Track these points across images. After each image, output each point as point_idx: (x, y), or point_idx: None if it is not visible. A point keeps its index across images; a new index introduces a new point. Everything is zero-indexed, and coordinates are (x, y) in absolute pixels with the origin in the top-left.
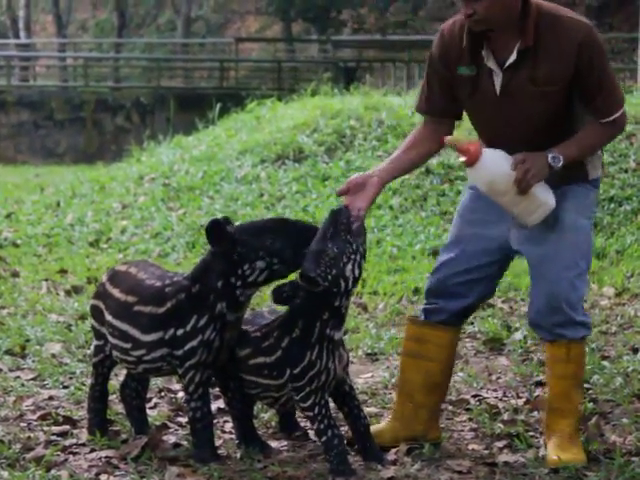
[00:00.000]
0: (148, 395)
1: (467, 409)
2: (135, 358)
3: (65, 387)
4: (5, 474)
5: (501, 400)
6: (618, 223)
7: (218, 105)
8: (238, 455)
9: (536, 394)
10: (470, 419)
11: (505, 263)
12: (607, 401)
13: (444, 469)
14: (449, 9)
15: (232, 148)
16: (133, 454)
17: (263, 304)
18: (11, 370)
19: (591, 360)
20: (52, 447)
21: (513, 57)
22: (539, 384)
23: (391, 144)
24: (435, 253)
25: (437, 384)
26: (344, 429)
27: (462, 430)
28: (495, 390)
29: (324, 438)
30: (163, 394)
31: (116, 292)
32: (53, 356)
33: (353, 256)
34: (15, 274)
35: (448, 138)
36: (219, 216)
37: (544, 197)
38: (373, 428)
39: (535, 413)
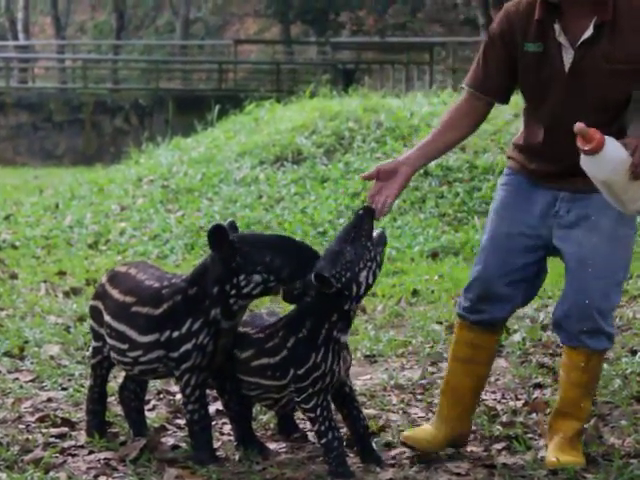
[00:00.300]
0: (147, 397)
1: None
2: (131, 359)
3: (64, 389)
4: (3, 476)
5: (500, 402)
6: None
7: (217, 107)
8: (237, 457)
9: (535, 396)
10: None
11: (545, 262)
12: (606, 403)
13: (443, 471)
14: (448, 11)
15: (231, 150)
16: (132, 456)
17: (262, 306)
18: (10, 372)
19: None
20: (50, 449)
21: (589, 32)
22: (538, 386)
23: (390, 146)
24: (434, 255)
25: (482, 387)
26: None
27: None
28: (494, 392)
29: (324, 440)
30: (162, 396)
31: (115, 293)
32: (52, 358)
33: (369, 263)
34: (14, 276)
35: (578, 125)
36: (218, 217)
37: None
38: (419, 433)
39: (534, 415)
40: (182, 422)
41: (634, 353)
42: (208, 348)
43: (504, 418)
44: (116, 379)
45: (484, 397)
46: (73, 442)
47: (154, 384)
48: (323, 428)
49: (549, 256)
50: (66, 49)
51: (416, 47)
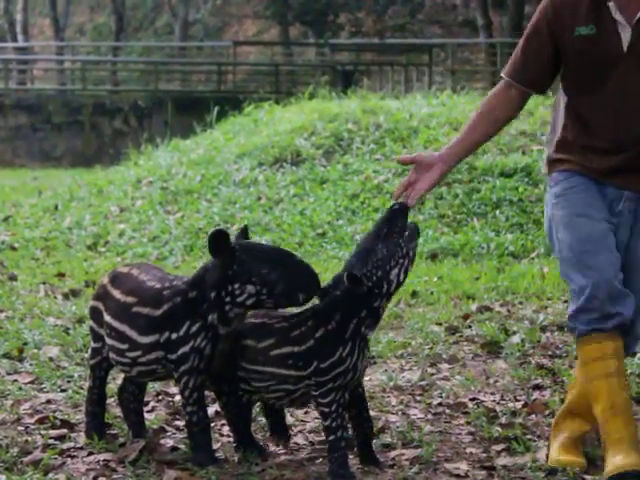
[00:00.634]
0: (146, 398)
1: (465, 412)
2: (130, 360)
3: (63, 390)
4: (3, 478)
5: (499, 403)
6: None
7: (216, 108)
8: (236, 458)
9: (534, 397)
10: (468, 422)
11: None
12: None
13: (442, 472)
14: (447, 12)
15: (230, 151)
16: (131, 457)
17: None
18: (9, 374)
19: None
20: (50, 451)
21: None
22: (537, 387)
23: (389, 147)
24: (434, 256)
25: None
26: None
27: (460, 433)
28: (493, 393)
29: (332, 437)
30: (161, 397)
31: (117, 293)
32: (51, 359)
33: (401, 260)
34: (13, 277)
35: None
36: (217, 219)
37: None
38: (622, 464)
39: (533, 416)
40: (181, 424)
41: (633, 354)
42: (205, 352)
43: (503, 419)
44: (115, 381)
45: (483, 398)
46: (72, 444)
47: (153, 386)
48: (334, 425)
49: None
50: (65, 51)
51: (415, 48)
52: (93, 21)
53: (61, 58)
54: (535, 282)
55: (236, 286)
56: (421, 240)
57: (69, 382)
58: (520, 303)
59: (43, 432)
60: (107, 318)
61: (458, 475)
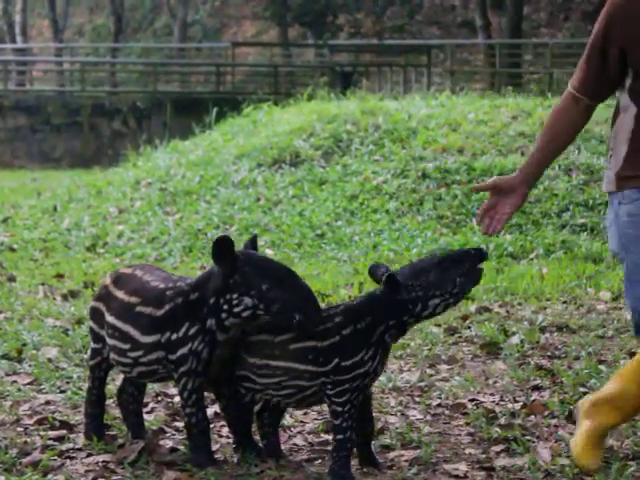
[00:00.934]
0: (145, 399)
1: (464, 413)
2: (132, 360)
3: (62, 391)
4: (2, 479)
5: (498, 404)
6: None
7: (215, 109)
8: (235, 459)
9: (533, 398)
10: (467, 423)
11: None
12: None
13: (441, 473)
14: (446, 13)
15: (229, 152)
16: (130, 458)
17: None
18: (8, 374)
19: (588, 364)
20: (49, 452)
21: None
22: (536, 388)
23: (388, 148)
24: None
25: None
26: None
27: (459, 434)
28: (492, 394)
29: (340, 437)
30: (160, 398)
31: (120, 294)
32: (50, 360)
33: (447, 296)
34: (12, 278)
35: None
36: (215, 220)
37: None
38: None
39: (532, 417)
40: (180, 425)
41: (632, 355)
42: (203, 355)
43: (502, 420)
44: (114, 382)
45: (482, 399)
46: (71, 445)
47: (152, 387)
48: (344, 425)
49: None
50: (64, 52)
51: (414, 49)
52: (92, 22)
53: (60, 59)
54: (534, 283)
55: (234, 296)
56: (420, 241)
57: (68, 383)
58: (519, 304)
59: (42, 433)
60: (109, 318)
61: (457, 476)
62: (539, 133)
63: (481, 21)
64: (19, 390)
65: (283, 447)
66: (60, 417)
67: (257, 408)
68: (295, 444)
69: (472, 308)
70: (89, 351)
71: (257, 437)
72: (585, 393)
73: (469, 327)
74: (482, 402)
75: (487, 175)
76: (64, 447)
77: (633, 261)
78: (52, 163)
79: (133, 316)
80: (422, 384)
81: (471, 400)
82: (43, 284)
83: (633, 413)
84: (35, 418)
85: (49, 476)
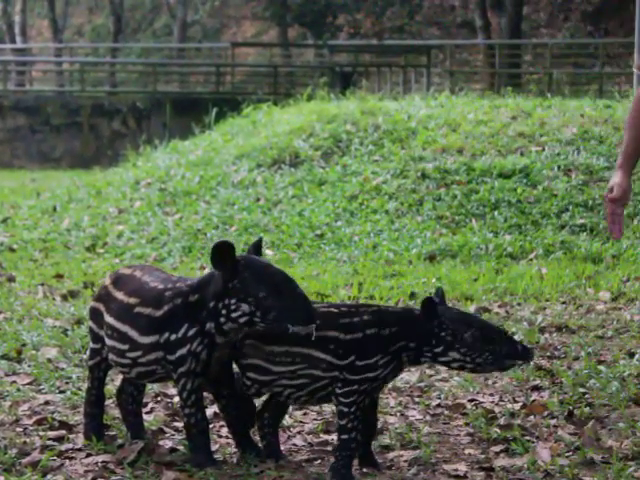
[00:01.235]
0: (144, 400)
1: (463, 413)
2: (130, 360)
3: (61, 392)
4: (1, 479)
5: (497, 405)
6: None
7: (214, 110)
8: (234, 460)
9: (532, 399)
10: (466, 423)
11: None
12: (603, 405)
13: (440, 474)
14: (445, 14)
15: (228, 153)
16: (129, 459)
17: None
18: (7, 375)
19: (587, 364)
20: (48, 452)
21: None
22: (535, 389)
23: (387, 149)
24: (432, 257)
25: None
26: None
27: (458, 434)
28: (491, 394)
29: (345, 436)
30: (159, 399)
31: (119, 294)
32: (49, 361)
33: (467, 359)
34: (11, 279)
35: None
36: (215, 220)
37: None
38: None
39: (531, 417)
40: (180, 425)
41: (631, 355)
42: (202, 356)
43: (502, 420)
44: (114, 382)
45: (482, 400)
46: (71, 445)
47: (152, 387)
48: (350, 426)
49: None
50: (63, 52)
51: (413, 50)
52: (91, 22)
53: (59, 60)
54: (533, 283)
55: (233, 301)
56: (419, 241)
57: (67, 383)
58: (518, 304)
59: (41, 433)
60: (108, 319)
61: (457, 476)
62: (626, 124)
63: (481, 21)
64: (18, 390)
65: (283, 447)
66: (59, 417)
67: (258, 408)
68: (294, 444)
69: (472, 308)
70: (88, 351)
71: (257, 437)
72: (584, 394)
73: None
74: (481, 402)
75: (486, 175)
76: (63, 447)
77: None
78: (52, 163)
79: (132, 317)
80: (421, 384)
81: (470, 400)
82: (43, 284)
83: None
84: (34, 418)
85: (48, 476)
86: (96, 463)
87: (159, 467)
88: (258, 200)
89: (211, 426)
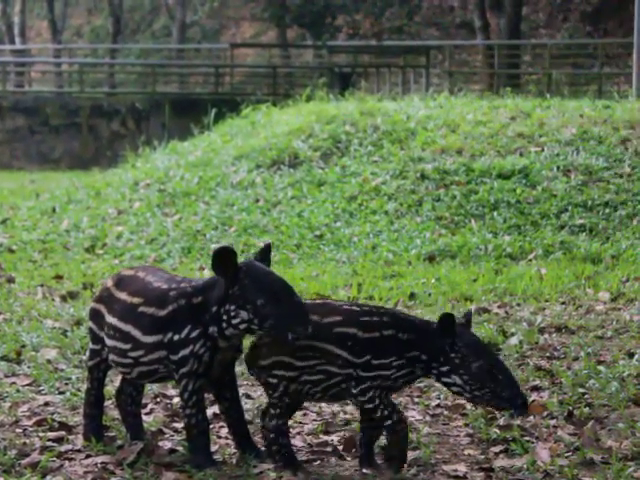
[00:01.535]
0: (144, 401)
1: (463, 414)
2: (132, 360)
3: (61, 393)
4: None
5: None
6: (613, 228)
7: (213, 111)
8: (234, 460)
9: (532, 399)
10: (466, 424)
11: None
12: (603, 406)
13: (440, 474)
14: (444, 14)
15: (227, 153)
16: (129, 460)
17: None
18: (7, 376)
19: (587, 365)
20: (48, 453)
21: None
22: (535, 389)
23: (386, 149)
24: (431, 258)
25: None
26: (340, 434)
27: (458, 435)
28: None
29: (389, 422)
30: (159, 400)
31: (123, 295)
32: (49, 362)
33: (467, 387)
34: (10, 280)
35: None
36: (214, 221)
37: None
38: None
39: (531, 418)
40: (179, 426)
41: (631, 356)
42: (204, 358)
43: (501, 421)
44: (113, 383)
45: None
46: (70, 446)
47: (151, 388)
48: (386, 412)
49: None
50: (62, 53)
51: (412, 50)
52: (90, 23)
53: (59, 61)
54: (533, 284)
55: (232, 307)
56: (419, 242)
57: (67, 384)
58: (518, 305)
59: (41, 434)
60: (110, 320)
61: (456, 477)
62: None
63: (480, 22)
64: (18, 391)
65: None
66: (59, 418)
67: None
68: (294, 445)
69: (471, 309)
70: (88, 352)
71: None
72: (584, 394)
73: None
74: None
75: (485, 176)
76: (63, 448)
77: None
78: (51, 164)
79: (135, 316)
80: (421, 385)
81: None
82: (42, 285)
83: None
84: (34, 419)
85: (48, 477)
86: (95, 464)
87: (158, 468)
88: (257, 201)
89: (211, 427)
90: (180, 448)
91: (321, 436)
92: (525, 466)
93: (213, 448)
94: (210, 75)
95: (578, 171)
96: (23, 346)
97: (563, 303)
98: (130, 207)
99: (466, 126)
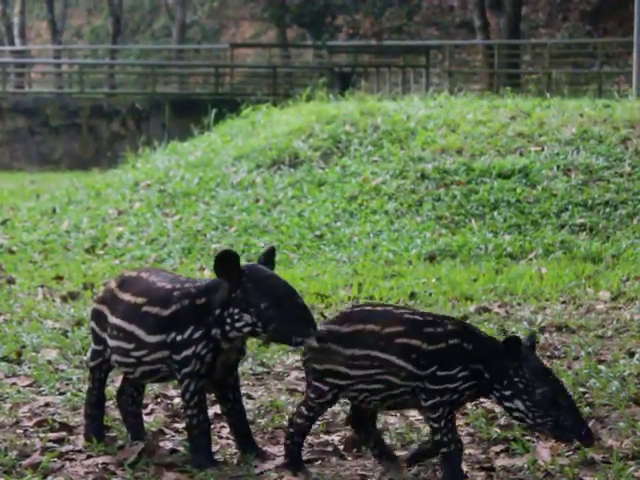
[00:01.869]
0: (144, 401)
1: (464, 414)
2: (135, 359)
3: (61, 393)
4: None
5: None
6: (613, 227)
7: (213, 111)
8: (235, 461)
9: None
10: (467, 424)
11: None
12: (604, 405)
13: (440, 474)
14: (444, 14)
15: (227, 154)
16: (130, 460)
17: None
18: (7, 377)
19: (587, 364)
20: (48, 454)
21: None
22: None
23: (386, 149)
24: (432, 258)
25: None
26: (340, 434)
27: (459, 435)
28: None
29: (445, 450)
30: (159, 400)
31: (126, 296)
32: (49, 362)
33: (530, 414)
34: (11, 281)
35: None
36: (214, 221)
37: None
38: None
39: None
40: (180, 426)
41: (631, 355)
42: (206, 359)
43: (502, 420)
44: (114, 383)
45: (482, 400)
46: (71, 446)
47: (152, 388)
48: (446, 439)
49: None
50: (62, 54)
51: (412, 50)
52: (90, 24)
53: (58, 61)
54: (533, 283)
55: (236, 311)
56: (419, 241)
57: (68, 385)
58: (518, 304)
59: (42, 435)
60: (114, 320)
61: None
62: None
63: (479, 22)
64: (19, 392)
65: (283, 448)
66: (60, 419)
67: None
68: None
69: (471, 308)
70: (90, 352)
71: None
72: (585, 393)
73: None
74: (482, 402)
75: (486, 175)
76: (64, 449)
77: None
78: (51, 165)
79: (139, 316)
80: None
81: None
82: (42, 286)
83: None
84: (35, 420)
85: (49, 478)
86: (96, 464)
87: (159, 468)
88: (257, 201)
89: (212, 427)
90: (181, 448)
91: (322, 436)
92: (526, 465)
93: (214, 448)
94: (210, 75)
95: (578, 170)
96: (23, 347)
97: (563, 302)
98: (130, 207)
99: (466, 126)
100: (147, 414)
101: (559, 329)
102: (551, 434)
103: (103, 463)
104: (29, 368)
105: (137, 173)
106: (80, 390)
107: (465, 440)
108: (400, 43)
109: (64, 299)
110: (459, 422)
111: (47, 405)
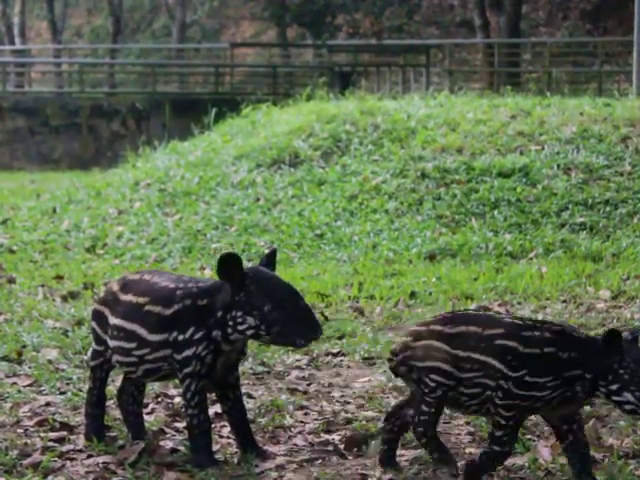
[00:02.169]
0: (145, 400)
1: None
2: (137, 358)
3: (62, 393)
4: None
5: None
6: (614, 226)
7: (213, 110)
8: (236, 460)
9: None
10: (467, 422)
11: None
12: (604, 404)
13: (441, 473)
14: (444, 13)
15: (228, 153)
16: (130, 460)
17: None
18: (8, 376)
19: None
20: (49, 453)
21: None
22: None
23: (387, 148)
24: (432, 257)
25: None
26: (341, 433)
27: (459, 434)
28: None
29: (496, 448)
30: (160, 399)
31: (128, 297)
32: (50, 362)
33: None
34: (11, 280)
35: None
36: (215, 221)
37: None
38: None
39: (532, 416)
40: (181, 425)
41: None
42: (207, 360)
43: None
44: (114, 383)
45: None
46: (72, 446)
47: (152, 387)
48: (505, 439)
49: None
50: (62, 53)
51: (412, 49)
52: (90, 23)
53: (58, 61)
54: (533, 282)
55: (239, 314)
56: (419, 241)
57: (68, 384)
58: (519, 303)
59: (42, 435)
60: (115, 320)
61: (457, 475)
62: None
63: (480, 21)
64: (19, 392)
65: (283, 448)
66: (60, 418)
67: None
68: (295, 444)
69: (472, 307)
70: (90, 352)
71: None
72: None
73: None
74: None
75: (486, 174)
76: (64, 448)
77: None
78: (51, 165)
79: (141, 315)
80: None
81: None
82: (43, 285)
83: None
84: (35, 419)
85: (49, 477)
86: (97, 464)
87: (160, 468)
88: (258, 200)
89: (212, 426)
90: (182, 448)
91: (322, 435)
92: (526, 464)
93: (215, 448)
94: (210, 75)
95: (578, 169)
96: (24, 346)
97: (564, 301)
98: (130, 207)
99: (466, 125)
100: (148, 413)
101: None
102: None
103: (104, 462)
104: (29, 368)
105: (137, 173)
106: (81, 390)
107: (465, 439)
108: (400, 42)
109: (64, 299)
110: (459, 421)
111: (48, 405)
